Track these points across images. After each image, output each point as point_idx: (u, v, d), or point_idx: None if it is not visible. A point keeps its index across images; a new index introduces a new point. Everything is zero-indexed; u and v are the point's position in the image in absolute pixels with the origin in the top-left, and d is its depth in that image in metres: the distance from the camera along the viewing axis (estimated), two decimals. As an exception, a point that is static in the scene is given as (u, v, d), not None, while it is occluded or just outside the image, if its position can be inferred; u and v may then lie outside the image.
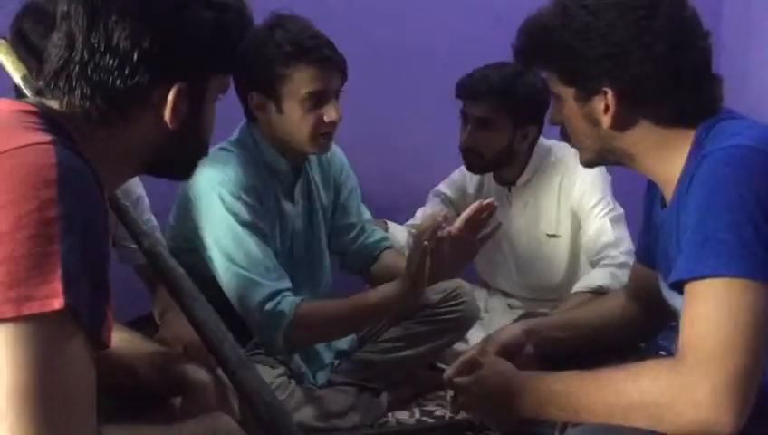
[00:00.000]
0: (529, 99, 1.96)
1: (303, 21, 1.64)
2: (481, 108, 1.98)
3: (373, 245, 1.91)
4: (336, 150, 1.87)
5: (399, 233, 2.13)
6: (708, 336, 0.92)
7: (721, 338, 0.91)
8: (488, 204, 1.59)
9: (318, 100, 1.61)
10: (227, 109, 1.13)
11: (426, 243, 1.48)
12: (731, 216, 0.94)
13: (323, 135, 1.65)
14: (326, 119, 1.62)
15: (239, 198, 1.60)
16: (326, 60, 1.61)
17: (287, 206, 1.75)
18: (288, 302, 1.56)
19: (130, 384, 1.06)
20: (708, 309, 0.93)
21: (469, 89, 2.00)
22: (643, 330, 1.40)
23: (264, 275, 1.57)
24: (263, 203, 1.66)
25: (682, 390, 0.92)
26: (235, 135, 1.73)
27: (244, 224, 1.59)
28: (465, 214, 1.60)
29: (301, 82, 1.60)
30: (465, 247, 1.62)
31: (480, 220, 1.60)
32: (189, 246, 1.66)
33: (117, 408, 0.81)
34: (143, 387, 1.07)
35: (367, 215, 1.95)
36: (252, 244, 1.58)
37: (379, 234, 1.94)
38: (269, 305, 1.54)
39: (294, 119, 1.62)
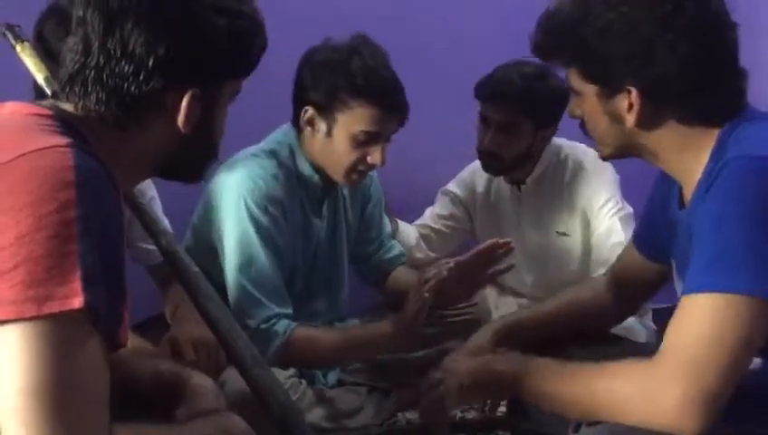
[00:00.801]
0: (551, 102, 1.94)
1: (382, 55, 1.62)
2: (504, 112, 1.95)
3: (389, 261, 1.94)
4: None
5: (411, 233, 2.13)
6: (692, 346, 0.92)
7: (704, 351, 0.91)
8: (505, 243, 1.59)
9: (368, 140, 1.61)
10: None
11: (426, 295, 1.50)
12: (747, 230, 0.93)
13: (359, 172, 1.66)
14: (369, 160, 1.63)
15: (264, 210, 1.60)
16: (391, 106, 1.60)
17: (314, 218, 1.76)
18: (283, 324, 1.58)
19: (131, 388, 1.06)
20: (701, 319, 0.93)
21: (492, 92, 1.96)
22: (614, 316, 1.45)
23: (269, 295, 1.59)
24: (287, 216, 1.67)
25: (653, 395, 0.93)
26: (269, 143, 1.72)
27: (262, 238, 1.59)
28: (478, 248, 1.60)
29: (359, 118, 1.59)
30: (472, 278, 1.63)
31: (493, 256, 1.60)
32: (209, 245, 1.67)
33: (119, 411, 0.82)
34: (142, 391, 1.07)
35: (388, 228, 1.97)
36: (265, 261, 1.59)
37: (396, 249, 1.96)
38: (264, 326, 1.57)
39: (339, 149, 1.63)
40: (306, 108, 1.64)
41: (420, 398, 1.31)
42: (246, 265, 1.59)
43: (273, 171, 1.65)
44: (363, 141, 1.61)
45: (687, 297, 0.96)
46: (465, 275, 1.60)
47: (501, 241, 1.59)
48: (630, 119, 1.08)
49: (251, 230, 1.59)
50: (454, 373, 1.24)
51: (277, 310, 1.59)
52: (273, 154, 1.69)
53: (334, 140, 1.63)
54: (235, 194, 1.61)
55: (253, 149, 1.71)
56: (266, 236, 1.60)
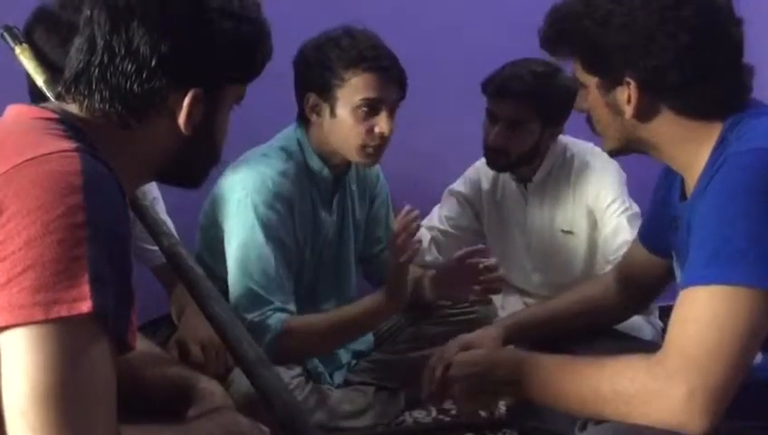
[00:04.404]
0: (561, 100, 1.92)
1: (372, 34, 1.65)
2: (513, 108, 1.95)
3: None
4: None
5: (424, 235, 2.12)
6: (696, 342, 0.91)
7: (708, 346, 0.91)
8: (484, 248, 1.63)
9: (371, 109, 1.63)
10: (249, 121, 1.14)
11: (401, 259, 1.52)
12: (747, 223, 0.93)
13: (372, 147, 1.66)
14: (377, 130, 1.63)
15: (270, 207, 1.61)
16: (384, 70, 1.63)
17: (324, 214, 1.76)
18: (276, 317, 1.57)
19: (139, 393, 1.05)
20: (703, 314, 0.92)
21: (500, 87, 1.96)
22: (622, 313, 1.45)
23: (271, 291, 1.58)
24: (296, 212, 1.67)
25: (658, 393, 0.92)
26: (278, 140, 1.73)
27: (268, 236, 1.59)
28: (458, 254, 1.64)
29: (357, 88, 1.61)
30: (459, 282, 1.64)
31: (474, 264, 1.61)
32: (217, 244, 1.67)
33: (127, 415, 0.82)
34: (151, 396, 1.07)
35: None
36: (270, 258, 1.59)
37: None
38: (258, 318, 1.56)
39: (346, 125, 1.64)
40: (308, 95, 1.66)
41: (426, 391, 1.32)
42: (250, 261, 1.59)
43: (282, 168, 1.66)
44: (366, 112, 1.62)
45: (688, 290, 0.95)
46: (451, 278, 1.59)
47: (480, 248, 1.62)
48: (629, 111, 1.08)
49: (257, 228, 1.59)
50: (456, 367, 1.24)
51: (277, 303, 1.58)
52: (282, 151, 1.70)
53: (339, 119, 1.64)
54: (241, 192, 1.61)
55: (262, 147, 1.72)
56: (272, 234, 1.60)
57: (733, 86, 1.07)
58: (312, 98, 1.66)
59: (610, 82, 1.09)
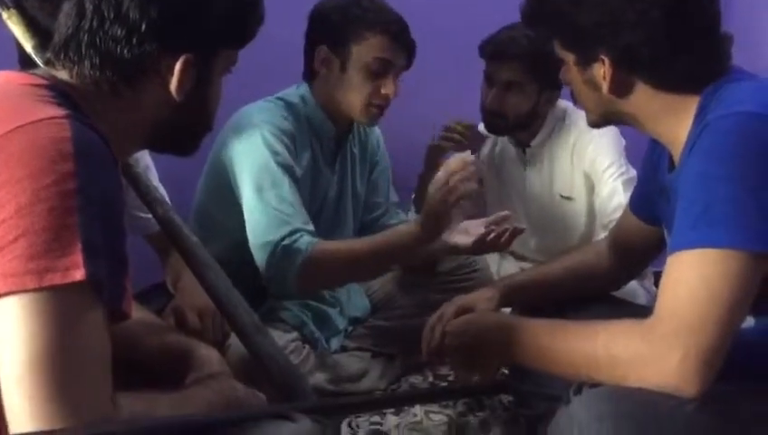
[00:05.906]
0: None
1: (384, 3, 1.72)
2: (509, 71, 1.95)
3: (393, 226, 1.91)
4: (374, 128, 1.90)
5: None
6: (687, 305, 0.92)
7: (699, 309, 0.92)
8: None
9: (381, 69, 1.67)
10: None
11: (452, 180, 1.44)
12: (731, 186, 0.93)
13: (376, 106, 1.70)
14: (383, 90, 1.68)
15: (279, 140, 1.63)
16: (400, 35, 1.68)
17: (325, 171, 1.78)
18: (305, 240, 1.54)
19: (138, 361, 1.06)
20: (693, 277, 0.93)
21: (497, 50, 1.97)
22: (615, 280, 1.45)
23: (291, 214, 1.57)
24: (299, 153, 1.69)
25: (652, 358, 0.93)
26: (277, 94, 1.75)
27: (280, 164, 1.60)
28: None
29: (373, 46, 1.66)
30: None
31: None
32: (220, 194, 1.68)
33: (126, 382, 0.82)
34: (150, 363, 1.07)
35: (394, 197, 1.98)
36: (285, 184, 1.59)
37: (399, 217, 1.96)
38: (287, 241, 1.54)
39: (354, 81, 1.67)
40: (320, 48, 1.69)
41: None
42: (266, 187, 1.58)
43: (284, 114, 1.68)
44: (377, 71, 1.66)
45: (675, 255, 0.96)
46: None
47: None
48: (605, 86, 1.10)
49: (269, 157, 1.60)
50: (450, 336, 1.26)
51: (298, 225, 1.56)
52: (281, 100, 1.72)
53: (349, 74, 1.67)
54: (250, 126, 1.63)
55: (260, 100, 1.74)
56: (283, 162, 1.61)
57: (709, 58, 1.07)
58: (324, 51, 1.68)
59: (586, 58, 1.11)
